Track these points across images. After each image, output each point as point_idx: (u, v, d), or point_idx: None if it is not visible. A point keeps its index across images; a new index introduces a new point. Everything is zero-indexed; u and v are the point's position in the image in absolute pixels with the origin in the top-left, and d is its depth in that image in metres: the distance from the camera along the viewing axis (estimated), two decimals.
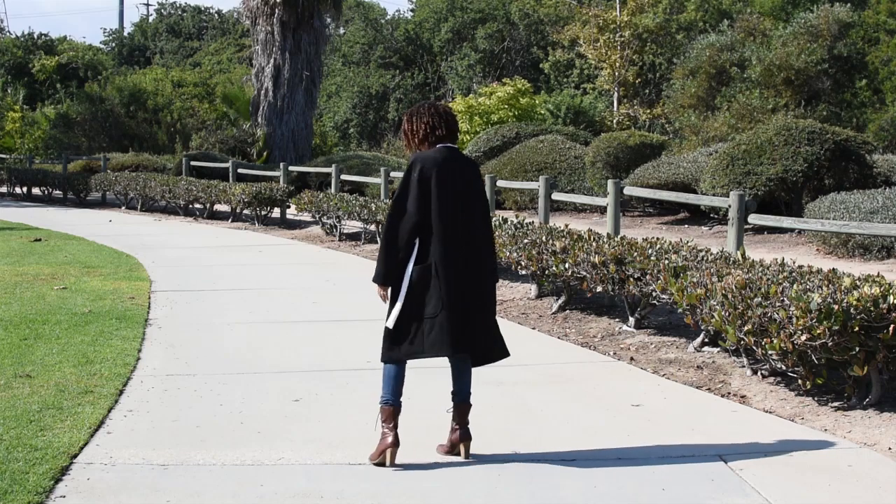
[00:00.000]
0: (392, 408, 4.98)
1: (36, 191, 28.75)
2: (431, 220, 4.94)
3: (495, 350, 5.19)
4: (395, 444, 4.94)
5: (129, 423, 5.71)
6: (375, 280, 5.05)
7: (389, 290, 5.02)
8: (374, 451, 5.01)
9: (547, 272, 9.15)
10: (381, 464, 4.95)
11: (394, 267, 4.97)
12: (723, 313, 6.36)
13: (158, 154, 32.22)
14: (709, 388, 6.61)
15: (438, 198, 4.95)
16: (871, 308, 5.59)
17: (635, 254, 7.95)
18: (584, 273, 8.42)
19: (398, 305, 4.96)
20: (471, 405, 5.13)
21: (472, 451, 5.15)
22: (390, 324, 4.96)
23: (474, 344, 5.06)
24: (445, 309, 4.93)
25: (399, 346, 4.99)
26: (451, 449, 5.12)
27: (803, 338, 5.69)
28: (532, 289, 10.21)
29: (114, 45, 65.58)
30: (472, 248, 5.04)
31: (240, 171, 22.72)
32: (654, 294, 7.66)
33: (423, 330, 4.94)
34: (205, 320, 9.00)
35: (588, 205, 17.50)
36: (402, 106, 41.37)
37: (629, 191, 11.54)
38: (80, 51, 49.24)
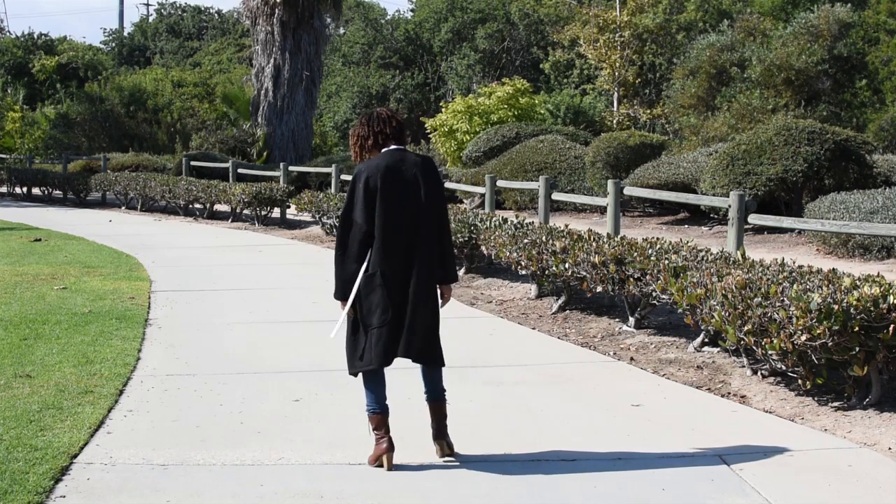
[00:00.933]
0: (379, 415, 4.98)
1: (36, 191, 28.74)
2: (374, 228, 4.90)
3: (433, 355, 5.06)
4: (391, 448, 4.94)
5: (129, 423, 5.71)
6: (336, 297, 5.02)
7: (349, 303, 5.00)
8: (371, 456, 5.01)
9: (547, 272, 9.15)
10: (380, 466, 4.96)
11: (350, 280, 4.95)
12: (723, 313, 6.36)
13: (158, 154, 32.21)
14: (709, 388, 6.61)
15: (381, 205, 4.90)
16: (871, 308, 5.59)
17: (635, 254, 7.95)
18: (584, 273, 8.42)
19: (351, 319, 4.97)
20: (445, 401, 5.10)
21: (473, 451, 5.16)
22: (333, 334, 4.98)
23: (421, 350, 4.98)
24: (391, 319, 4.90)
25: (356, 359, 4.99)
26: (439, 451, 5.12)
27: (803, 338, 5.69)
28: (532, 289, 10.20)
29: (114, 45, 65.58)
30: (419, 252, 4.96)
31: (240, 171, 22.73)
32: (654, 294, 7.66)
33: (372, 341, 4.92)
34: (205, 320, 9.00)
35: (588, 205, 17.50)
36: (402, 106, 41.39)
37: (629, 191, 11.54)
38: (80, 51, 49.21)
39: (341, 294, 5.00)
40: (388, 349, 4.92)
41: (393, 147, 5.06)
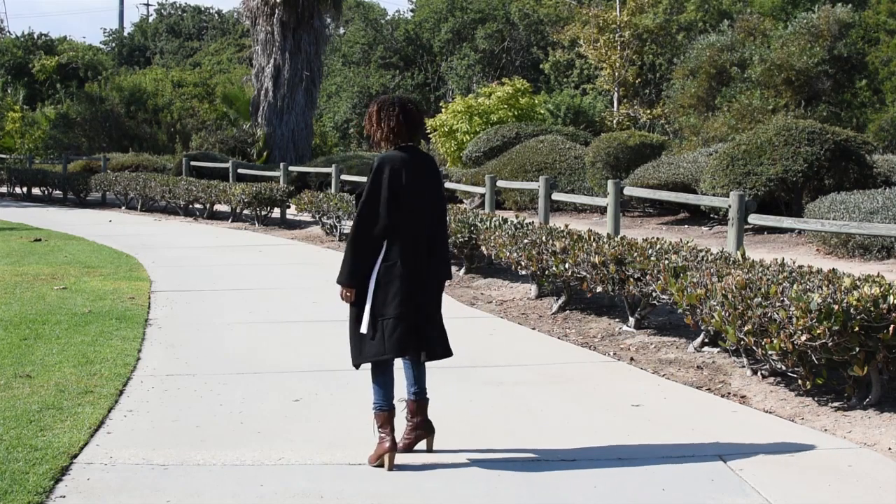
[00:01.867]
0: (386, 413, 4.99)
1: (36, 191, 28.75)
2: (396, 222, 4.94)
3: (445, 348, 5.16)
4: (393, 447, 4.94)
5: (129, 423, 5.71)
6: (341, 281, 5.01)
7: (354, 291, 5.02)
8: (372, 455, 5.01)
9: (547, 272, 9.15)
10: (381, 466, 4.96)
11: (361, 268, 4.96)
12: (723, 313, 6.36)
13: (158, 154, 32.21)
14: (709, 388, 6.61)
15: (404, 201, 4.94)
16: (871, 308, 5.59)
17: (635, 254, 7.95)
18: (584, 273, 8.42)
19: (367, 309, 4.97)
20: (429, 399, 5.16)
21: (473, 450, 5.16)
22: (364, 329, 4.96)
23: (433, 342, 5.08)
24: (408, 310, 4.94)
25: (364, 349, 4.99)
26: (412, 444, 5.15)
27: (803, 338, 5.69)
28: (532, 289, 10.20)
29: (114, 45, 65.59)
30: (431, 247, 5.06)
31: (240, 171, 22.73)
32: (654, 294, 7.66)
33: (386, 331, 4.94)
34: (205, 320, 9.00)
35: (588, 205, 17.50)
36: None
37: (629, 191, 11.54)
38: (80, 51, 49.22)
39: (348, 279, 4.97)
40: (404, 341, 4.95)
41: (410, 143, 5.10)
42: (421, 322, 5.00)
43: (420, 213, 5.00)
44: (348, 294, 5.02)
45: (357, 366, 5.10)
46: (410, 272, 4.95)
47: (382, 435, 4.96)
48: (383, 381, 5.03)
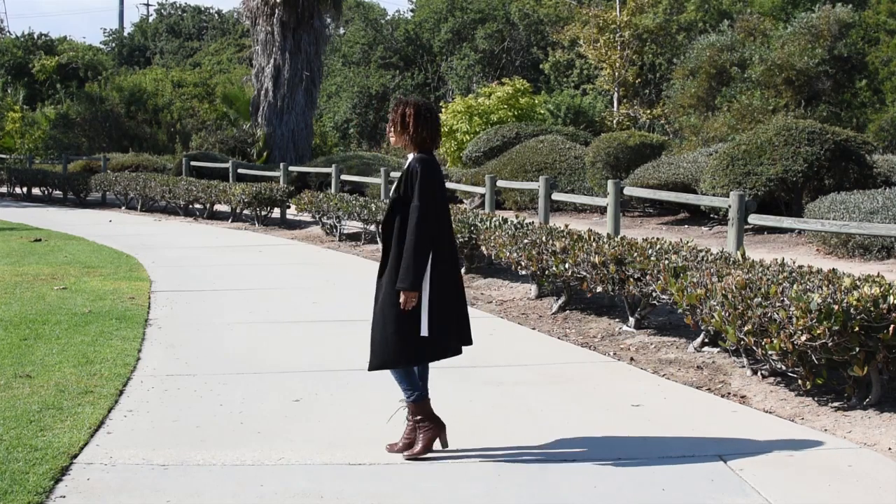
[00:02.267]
0: (425, 400, 5.12)
1: (36, 191, 28.75)
2: (441, 224, 5.11)
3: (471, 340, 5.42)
4: (443, 425, 5.12)
5: (129, 423, 5.71)
6: (408, 286, 4.92)
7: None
8: (421, 445, 5.05)
9: (547, 272, 9.15)
10: (418, 459, 5.04)
11: (424, 272, 5.01)
12: (723, 313, 6.36)
13: (158, 154, 32.23)
14: (709, 388, 6.61)
15: (444, 204, 5.15)
16: (871, 308, 5.59)
17: (635, 254, 7.95)
18: (584, 273, 8.42)
19: (426, 311, 5.00)
20: (430, 399, 5.25)
21: (474, 446, 5.18)
22: (425, 331, 4.99)
23: (468, 336, 5.33)
24: (459, 306, 5.18)
25: (425, 351, 5.06)
26: (413, 444, 5.18)
27: (803, 338, 5.69)
28: (532, 289, 10.20)
29: (114, 45, 65.60)
30: (454, 244, 5.27)
31: (240, 171, 22.73)
32: (654, 294, 7.66)
33: (451, 332, 5.11)
34: (205, 320, 9.00)
35: (588, 205, 17.50)
36: None
37: (629, 191, 11.54)
38: (80, 51, 49.20)
39: (416, 284, 4.94)
40: (456, 338, 5.17)
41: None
42: (465, 319, 5.26)
43: (446, 213, 5.18)
44: (413, 299, 4.96)
45: (407, 366, 5.08)
46: (454, 272, 5.15)
47: (427, 423, 5.06)
48: (411, 374, 5.13)
